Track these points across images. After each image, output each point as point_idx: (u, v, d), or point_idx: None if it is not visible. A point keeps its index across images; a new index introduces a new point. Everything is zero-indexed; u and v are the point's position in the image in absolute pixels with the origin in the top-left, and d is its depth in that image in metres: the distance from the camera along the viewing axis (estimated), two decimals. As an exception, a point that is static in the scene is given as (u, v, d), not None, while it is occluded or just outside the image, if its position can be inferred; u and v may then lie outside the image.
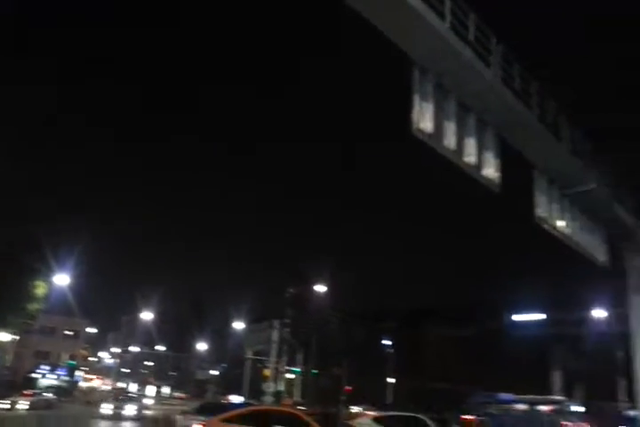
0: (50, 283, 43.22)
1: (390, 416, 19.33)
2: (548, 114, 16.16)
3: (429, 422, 18.82)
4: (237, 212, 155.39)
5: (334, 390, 49.44)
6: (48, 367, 63.68)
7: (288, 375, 49.50)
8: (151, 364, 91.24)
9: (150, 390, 78.70)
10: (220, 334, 70.07)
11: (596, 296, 38.02)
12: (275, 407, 20.31)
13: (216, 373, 74.81)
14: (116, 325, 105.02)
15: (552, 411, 26.29)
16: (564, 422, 25.79)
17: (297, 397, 51.00)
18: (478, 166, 15.38)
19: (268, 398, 42.95)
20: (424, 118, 13.77)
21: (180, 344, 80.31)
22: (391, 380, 53.83)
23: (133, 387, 74.80)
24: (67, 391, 57.65)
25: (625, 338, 27.52)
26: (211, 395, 65.41)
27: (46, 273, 42.25)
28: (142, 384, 79.40)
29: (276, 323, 47.51)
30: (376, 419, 18.46)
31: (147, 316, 66.20)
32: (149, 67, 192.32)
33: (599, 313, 40.00)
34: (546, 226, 18.27)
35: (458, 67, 14.00)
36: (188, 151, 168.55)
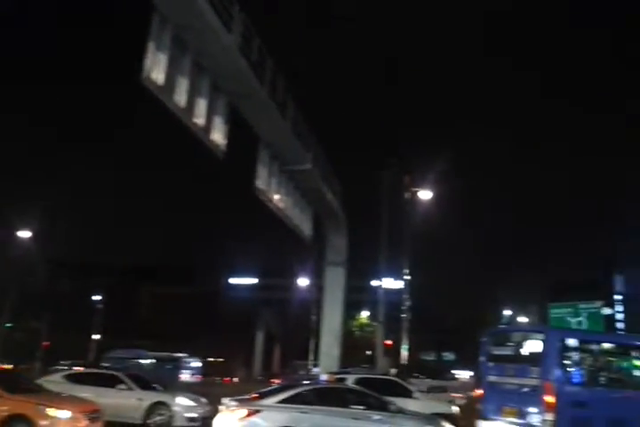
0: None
1: (87, 373, 18.65)
2: (278, 92, 16.88)
3: (125, 378, 18.70)
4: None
5: (31, 345, 45.79)
6: None
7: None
8: None
9: None
10: None
11: (303, 266, 41.71)
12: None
13: None
14: None
15: (172, 365, 32.42)
16: (181, 374, 32.07)
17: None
18: (206, 129, 15.39)
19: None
20: (157, 69, 13.15)
21: None
22: (96, 336, 51.89)
23: None
24: None
25: (320, 305, 30.93)
26: None
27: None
28: None
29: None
30: (69, 376, 17.53)
31: None
32: None
33: (303, 281, 44.05)
34: (263, 198, 19.30)
35: (199, 24, 13.67)
36: None
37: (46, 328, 47.30)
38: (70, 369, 18.79)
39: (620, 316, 65.04)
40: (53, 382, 13.82)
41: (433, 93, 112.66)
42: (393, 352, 31.70)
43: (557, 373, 11.23)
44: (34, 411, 9.94)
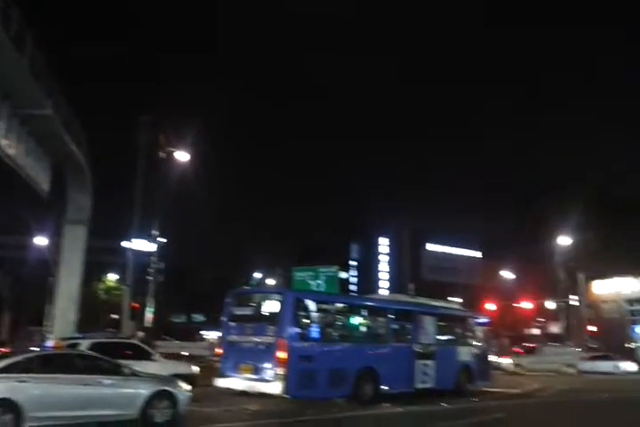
0: None
1: None
2: (13, 23, 14.48)
3: None
4: None
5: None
6: None
7: None
8: None
9: None
10: None
11: (41, 224, 37.81)
12: None
13: None
14: None
15: None
16: None
17: None
18: None
19: None
20: None
21: None
22: None
23: None
24: None
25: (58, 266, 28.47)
26: None
27: None
28: None
29: None
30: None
31: None
32: None
33: (41, 240, 39.97)
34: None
35: None
36: None
37: None
38: None
39: (353, 280, 73.11)
40: None
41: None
42: (140, 315, 30.85)
43: (291, 330, 11.95)
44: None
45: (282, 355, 11.55)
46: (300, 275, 41.96)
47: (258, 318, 12.84)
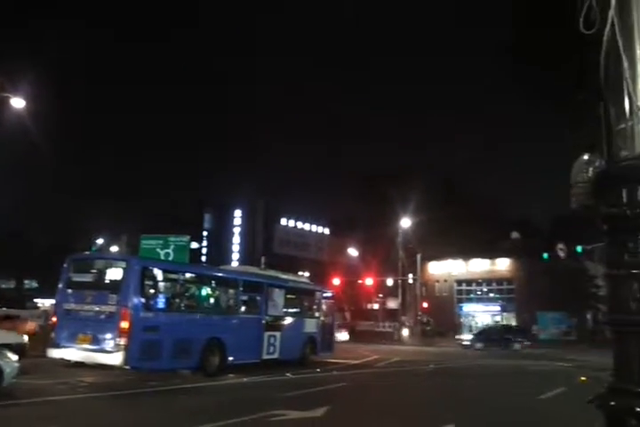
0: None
1: None
2: None
3: None
4: None
5: None
6: None
7: None
8: None
9: None
10: None
11: None
12: None
13: None
14: None
15: None
16: None
17: None
18: None
19: None
20: None
21: None
22: None
23: None
24: None
25: None
26: None
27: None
28: None
29: None
30: None
31: None
32: None
33: None
34: None
35: None
36: None
37: None
38: None
39: (204, 250, 72.03)
40: None
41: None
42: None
43: (135, 300, 11.40)
44: None
45: (124, 325, 11.00)
46: (148, 243, 40.45)
47: (99, 285, 12.09)
